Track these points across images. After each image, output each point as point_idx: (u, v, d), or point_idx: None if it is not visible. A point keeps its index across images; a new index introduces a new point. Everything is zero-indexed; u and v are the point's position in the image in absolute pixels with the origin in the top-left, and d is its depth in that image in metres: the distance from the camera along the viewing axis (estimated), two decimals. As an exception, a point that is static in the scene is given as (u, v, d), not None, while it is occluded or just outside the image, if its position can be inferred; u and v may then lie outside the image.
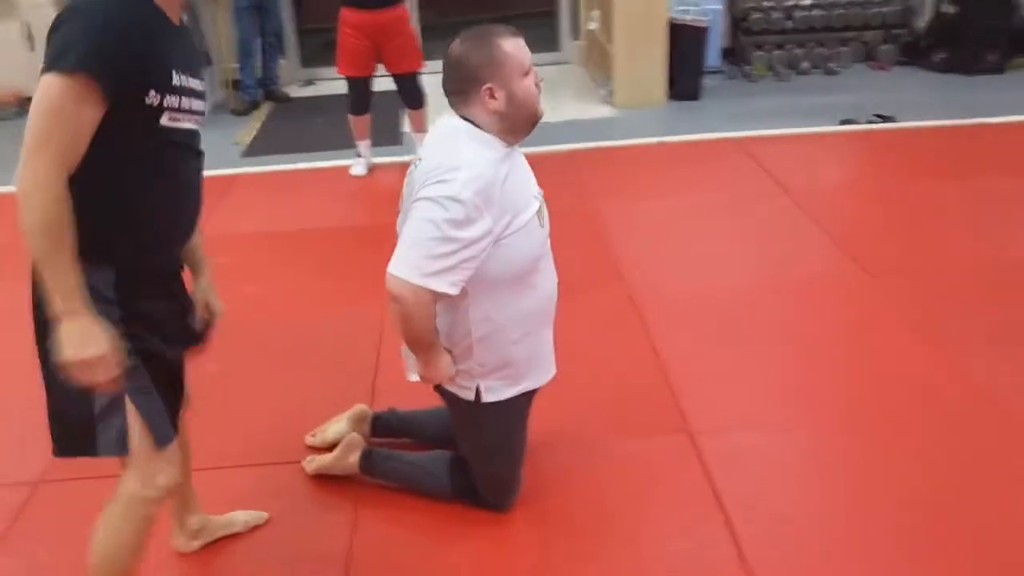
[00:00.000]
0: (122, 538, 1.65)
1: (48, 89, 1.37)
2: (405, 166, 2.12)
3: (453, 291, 1.75)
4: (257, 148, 5.25)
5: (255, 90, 5.99)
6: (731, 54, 6.35)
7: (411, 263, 1.72)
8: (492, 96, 1.78)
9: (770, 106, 5.50)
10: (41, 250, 1.39)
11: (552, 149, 4.70)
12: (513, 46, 1.79)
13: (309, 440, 2.39)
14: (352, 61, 4.24)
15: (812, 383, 2.65)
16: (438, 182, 1.72)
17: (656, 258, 3.53)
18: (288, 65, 6.50)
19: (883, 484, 2.20)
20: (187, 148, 1.60)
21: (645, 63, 5.49)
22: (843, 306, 3.08)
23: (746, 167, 4.42)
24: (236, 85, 6.00)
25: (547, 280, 1.98)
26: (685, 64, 5.61)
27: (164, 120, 1.49)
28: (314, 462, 2.28)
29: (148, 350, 1.57)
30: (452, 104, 1.86)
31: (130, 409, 1.55)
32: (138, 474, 1.60)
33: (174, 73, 1.50)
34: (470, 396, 1.97)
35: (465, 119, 1.83)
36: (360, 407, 2.40)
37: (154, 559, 1.98)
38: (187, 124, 1.56)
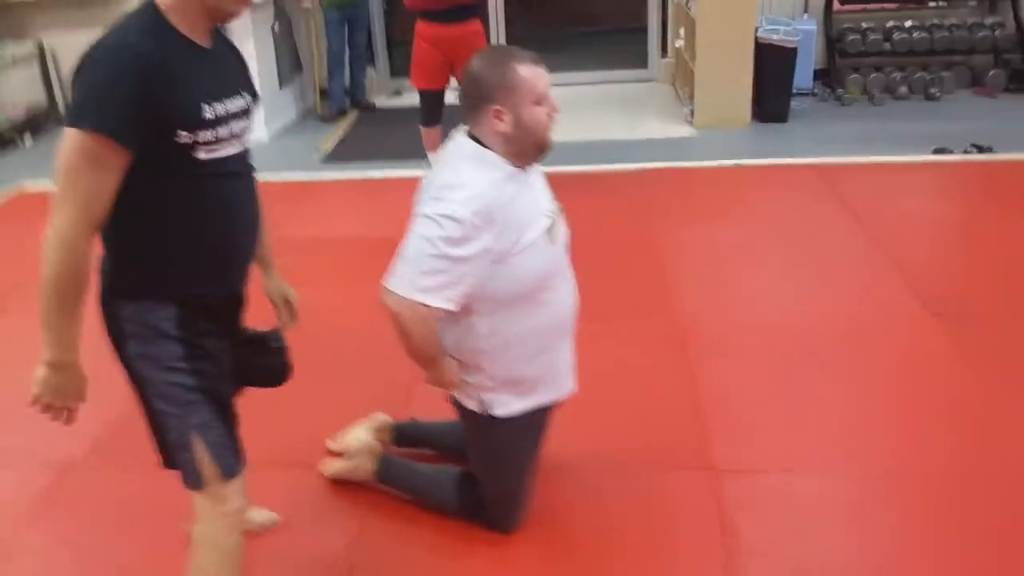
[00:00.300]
0: (211, 571, 1.67)
1: (68, 144, 1.38)
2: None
3: (449, 306, 1.75)
4: (338, 155, 5.40)
5: (342, 99, 6.18)
6: (826, 76, 6.12)
7: (406, 278, 1.74)
8: (499, 118, 1.78)
9: (859, 131, 5.27)
10: (48, 301, 1.42)
11: (623, 167, 4.62)
12: (530, 72, 1.78)
13: (331, 445, 2.43)
14: (425, 73, 4.30)
15: (856, 428, 2.49)
16: (437, 200, 1.74)
17: (711, 285, 3.43)
18: (377, 75, 6.68)
19: (921, 546, 2.04)
20: (229, 175, 1.56)
21: (729, 83, 5.36)
22: (901, 348, 2.90)
23: (822, 194, 4.24)
24: (324, 93, 6.21)
25: (560, 297, 1.95)
26: (772, 85, 5.45)
27: (199, 154, 1.47)
28: (332, 466, 2.32)
29: (210, 388, 1.59)
30: (464, 120, 1.87)
31: (196, 443, 1.57)
32: (209, 504, 1.62)
33: (205, 106, 1.47)
34: (481, 409, 1.97)
35: (473, 137, 1.84)
36: (381, 416, 2.43)
37: (163, 551, 2.07)
38: (227, 150, 1.54)
